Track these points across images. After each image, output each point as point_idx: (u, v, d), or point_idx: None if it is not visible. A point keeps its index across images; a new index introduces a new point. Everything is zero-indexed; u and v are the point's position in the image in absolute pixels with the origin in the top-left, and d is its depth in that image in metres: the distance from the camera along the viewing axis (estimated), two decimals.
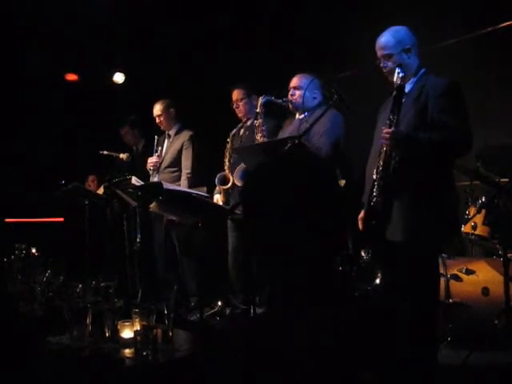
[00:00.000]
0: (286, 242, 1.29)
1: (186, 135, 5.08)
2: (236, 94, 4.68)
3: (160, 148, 5.15)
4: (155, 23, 6.16)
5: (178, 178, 5.00)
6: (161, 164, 5.10)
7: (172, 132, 5.19)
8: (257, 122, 4.22)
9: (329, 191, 1.33)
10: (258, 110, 4.22)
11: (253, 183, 1.36)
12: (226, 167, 4.64)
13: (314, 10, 5.50)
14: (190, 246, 4.71)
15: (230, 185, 4.54)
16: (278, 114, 4.49)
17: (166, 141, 5.20)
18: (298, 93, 4.04)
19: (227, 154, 4.66)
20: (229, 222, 4.61)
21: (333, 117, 3.88)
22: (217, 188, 4.62)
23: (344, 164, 3.88)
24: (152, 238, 5.20)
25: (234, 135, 4.70)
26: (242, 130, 4.72)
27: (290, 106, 4.09)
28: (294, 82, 4.09)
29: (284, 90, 4.14)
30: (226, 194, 4.55)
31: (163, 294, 4.60)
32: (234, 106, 4.69)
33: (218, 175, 4.61)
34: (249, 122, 4.71)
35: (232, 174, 4.54)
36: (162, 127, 5.20)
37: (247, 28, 5.96)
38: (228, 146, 4.69)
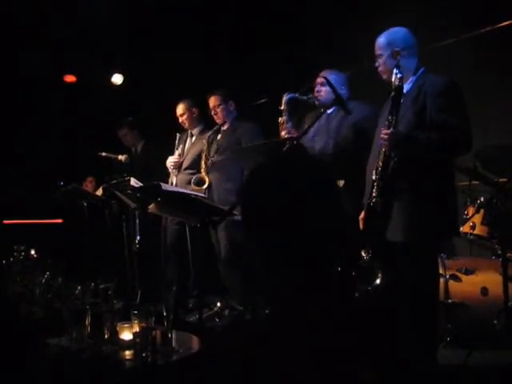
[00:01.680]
0: (284, 243, 1.29)
1: None
2: (213, 101, 4.70)
3: (181, 146, 5.06)
4: (155, 24, 6.16)
5: None
6: (181, 163, 5.00)
7: (195, 132, 5.11)
8: (281, 120, 4.15)
9: (327, 192, 1.33)
10: (282, 108, 4.13)
11: (251, 184, 1.36)
12: (202, 169, 4.65)
13: (314, 9, 5.50)
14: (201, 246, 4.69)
15: (206, 186, 4.55)
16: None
17: (188, 140, 5.12)
18: (323, 89, 3.98)
19: (204, 156, 4.67)
20: (211, 230, 4.61)
21: (360, 110, 3.84)
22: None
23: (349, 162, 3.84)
24: (151, 238, 5.17)
25: (210, 137, 4.71)
26: (219, 135, 4.74)
27: (317, 102, 4.03)
28: (321, 78, 4.03)
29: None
30: None
31: (162, 295, 4.59)
32: (212, 113, 4.71)
33: (194, 177, 4.62)
34: (225, 127, 4.72)
35: (208, 176, 4.58)
36: (185, 127, 5.14)
37: (247, 28, 5.96)
38: (204, 148, 4.70)
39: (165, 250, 5.07)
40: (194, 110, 5.06)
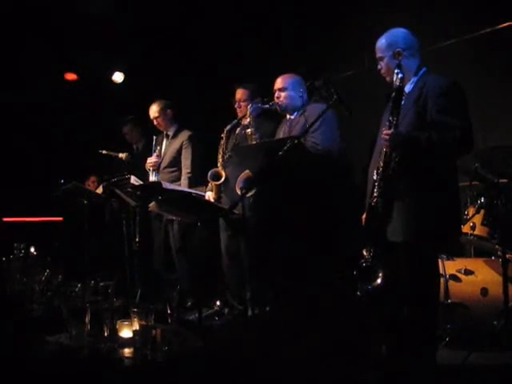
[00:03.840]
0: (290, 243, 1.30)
1: (185, 135, 5.07)
2: (240, 94, 4.63)
3: (159, 148, 5.13)
4: (155, 23, 6.16)
5: (177, 178, 4.98)
6: (160, 164, 5.08)
7: (170, 132, 5.17)
8: (249, 131, 4.20)
9: (339, 190, 1.34)
10: (248, 120, 4.20)
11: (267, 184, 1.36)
12: (218, 163, 4.62)
13: (315, 10, 5.50)
14: (187, 245, 4.69)
15: (222, 180, 4.52)
16: (274, 117, 4.51)
17: (165, 140, 5.19)
18: (283, 94, 4.03)
19: (221, 151, 4.64)
20: (220, 220, 4.60)
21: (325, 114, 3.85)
22: (208, 185, 4.61)
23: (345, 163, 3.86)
24: (151, 237, 5.19)
25: (229, 131, 4.68)
26: (238, 129, 4.71)
27: (278, 108, 4.08)
28: (278, 83, 4.08)
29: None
30: (218, 191, 4.53)
31: (165, 294, 4.59)
32: (236, 105, 4.63)
33: (210, 171, 4.61)
34: (246, 122, 4.69)
35: (225, 170, 4.54)
36: (160, 128, 5.18)
37: (248, 28, 5.96)
38: (222, 141, 4.65)
39: (160, 249, 5.11)
40: (167, 111, 5.13)
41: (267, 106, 4.11)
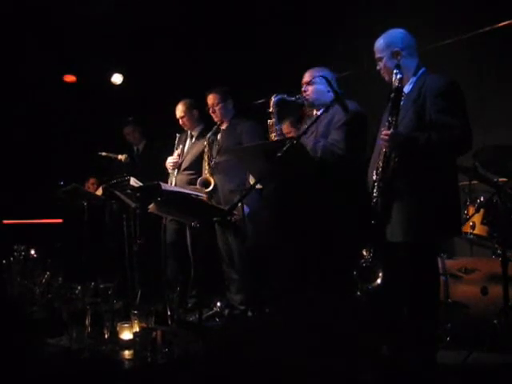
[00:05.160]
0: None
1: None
2: (212, 99, 4.63)
3: (181, 146, 5.01)
4: (154, 23, 6.17)
5: (195, 181, 4.91)
6: (181, 164, 4.96)
7: (195, 132, 5.06)
8: (270, 122, 4.08)
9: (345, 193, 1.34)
10: (270, 110, 4.00)
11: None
12: (206, 170, 4.62)
13: (315, 10, 5.51)
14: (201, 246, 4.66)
15: (211, 187, 4.52)
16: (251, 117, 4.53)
17: (188, 140, 5.08)
18: (310, 88, 3.83)
19: (206, 158, 4.63)
20: (216, 225, 4.59)
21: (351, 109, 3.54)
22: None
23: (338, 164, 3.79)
24: (152, 238, 5.16)
25: (210, 138, 4.67)
26: (219, 135, 4.70)
27: (305, 102, 3.90)
28: (306, 77, 3.88)
29: (295, 88, 4.03)
30: (209, 197, 4.52)
31: (165, 295, 4.59)
32: (211, 111, 4.64)
33: (199, 179, 4.60)
34: (224, 126, 4.67)
35: (213, 177, 4.54)
36: (185, 128, 5.07)
37: (248, 28, 5.97)
38: (206, 149, 4.66)
39: (164, 250, 5.07)
40: (194, 111, 5.01)
41: (293, 98, 3.88)
